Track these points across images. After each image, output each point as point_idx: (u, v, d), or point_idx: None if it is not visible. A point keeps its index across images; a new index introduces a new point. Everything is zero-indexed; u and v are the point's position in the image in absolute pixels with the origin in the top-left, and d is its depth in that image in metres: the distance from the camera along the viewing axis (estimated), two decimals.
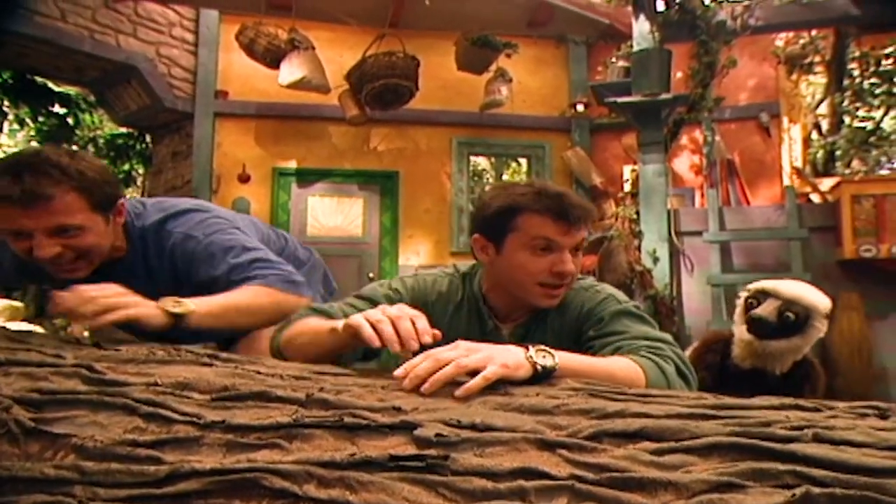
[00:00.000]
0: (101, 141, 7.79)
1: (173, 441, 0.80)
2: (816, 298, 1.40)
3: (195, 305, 1.21)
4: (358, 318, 1.01)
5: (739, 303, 1.50)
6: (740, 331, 1.47)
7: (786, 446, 0.71)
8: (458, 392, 0.86)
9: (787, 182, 5.44)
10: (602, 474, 0.69)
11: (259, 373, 0.97)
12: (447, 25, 5.56)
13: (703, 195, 5.67)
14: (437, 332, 1.01)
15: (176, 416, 0.83)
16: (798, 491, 0.64)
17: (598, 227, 5.56)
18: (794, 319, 1.37)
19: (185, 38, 6.07)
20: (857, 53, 5.12)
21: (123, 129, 7.31)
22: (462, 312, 1.38)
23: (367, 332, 0.98)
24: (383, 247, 6.24)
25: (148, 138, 7.10)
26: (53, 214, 1.24)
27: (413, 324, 1.00)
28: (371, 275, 6.16)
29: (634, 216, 4.41)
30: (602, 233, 4.76)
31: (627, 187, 5.47)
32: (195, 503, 0.72)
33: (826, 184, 5.03)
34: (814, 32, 5.29)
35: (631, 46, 4.68)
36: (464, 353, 0.91)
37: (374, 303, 1.29)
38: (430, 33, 5.83)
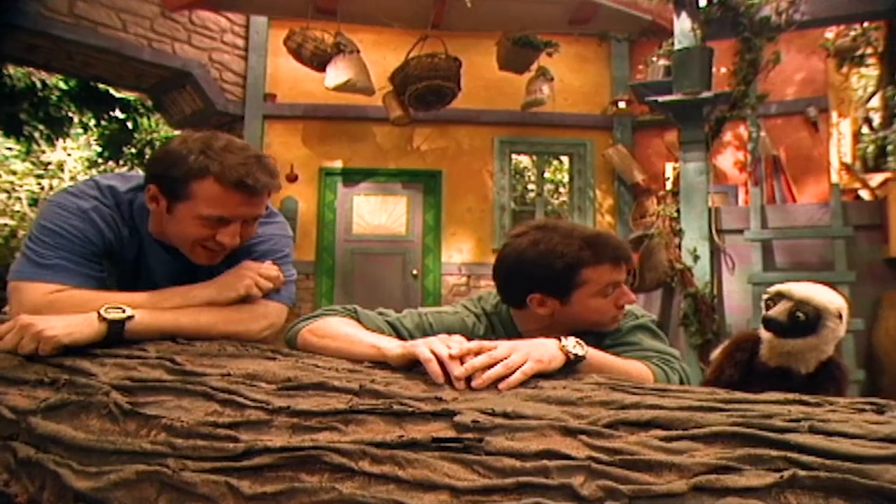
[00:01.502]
0: (157, 144, 8.15)
1: (247, 423, 0.93)
2: (828, 299, 1.46)
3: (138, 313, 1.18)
4: (423, 351, 1.02)
5: (763, 305, 1.58)
6: (762, 331, 1.54)
7: (781, 436, 0.80)
8: (501, 385, 0.98)
9: (835, 178, 5.34)
10: (616, 456, 0.79)
11: (317, 366, 1.10)
12: (488, 26, 5.64)
13: (747, 192, 5.61)
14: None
15: (248, 402, 0.97)
16: (786, 473, 0.73)
17: (640, 224, 5.58)
18: (804, 319, 1.44)
19: (236, 44, 6.33)
20: None
21: (178, 132, 7.61)
22: None
23: (435, 368, 1.00)
24: (426, 244, 6.38)
25: None
26: (261, 205, 1.30)
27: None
28: (415, 272, 6.31)
29: (675, 214, 4.43)
30: (643, 231, 4.78)
31: (669, 185, 5.46)
32: (268, 475, 0.85)
33: (877, 180, 4.92)
34: (865, 24, 5.17)
35: (672, 44, 4.68)
36: (506, 353, 1.02)
37: (403, 337, 1.31)
38: (471, 34, 5.92)
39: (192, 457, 0.88)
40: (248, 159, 1.24)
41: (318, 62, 5.50)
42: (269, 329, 1.31)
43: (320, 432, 0.90)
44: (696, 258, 4.26)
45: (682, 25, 4.44)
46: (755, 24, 4.28)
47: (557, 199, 7.82)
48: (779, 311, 1.44)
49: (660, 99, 4.35)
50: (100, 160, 8.42)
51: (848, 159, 5.44)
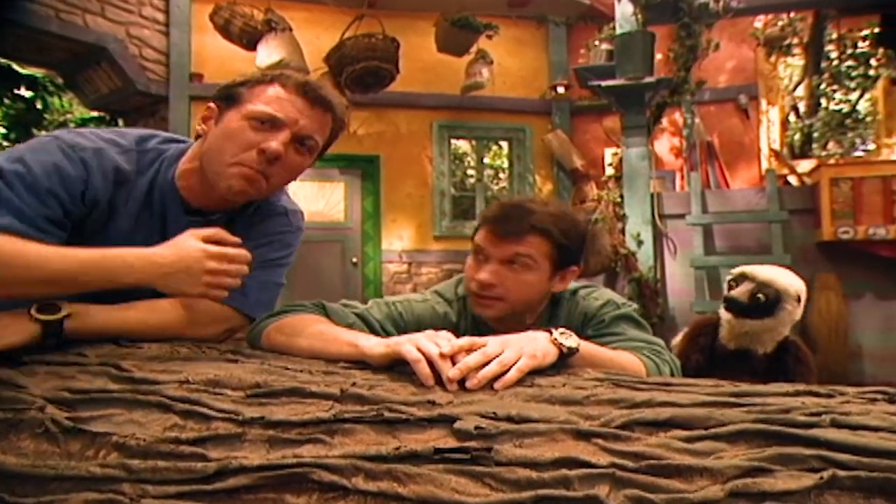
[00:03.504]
0: (71, 125, 7.62)
1: (215, 438, 0.81)
2: (788, 282, 1.50)
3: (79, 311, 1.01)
4: (410, 350, 0.93)
5: (725, 286, 1.60)
6: (722, 311, 1.57)
7: (807, 432, 0.75)
8: (497, 385, 0.90)
9: (765, 164, 5.55)
10: (640, 462, 0.72)
11: (287, 369, 0.99)
12: (426, 5, 5.54)
13: (682, 177, 5.76)
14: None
15: (214, 413, 0.85)
16: (825, 474, 0.69)
17: (580, 210, 5.62)
18: (764, 301, 1.46)
19: (155, 18, 5.93)
20: (834, 36, 5.20)
21: (95, 113, 7.16)
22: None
23: (424, 369, 0.91)
24: (366, 231, 6.23)
25: (121, 122, 6.95)
26: (322, 127, 1.18)
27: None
28: (354, 260, 6.16)
29: (618, 199, 4.47)
30: (585, 216, 4.81)
31: (609, 170, 5.53)
32: (245, 498, 0.74)
33: (803, 166, 5.14)
34: (792, 14, 5.37)
35: (613, 28, 4.70)
36: (499, 349, 0.94)
37: (373, 328, 1.26)
38: (408, 14, 5.80)
39: (152, 480, 0.76)
40: (324, 84, 1.19)
41: (248, 40, 5.25)
42: (228, 335, 1.18)
43: (302, 446, 0.79)
44: (639, 243, 4.33)
45: (624, 10, 4.46)
46: (694, 9, 4.34)
47: (497, 184, 7.82)
48: (741, 291, 1.46)
49: (603, 84, 4.36)
50: (5, 143, 7.79)
51: (777, 146, 5.66)
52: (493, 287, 1.27)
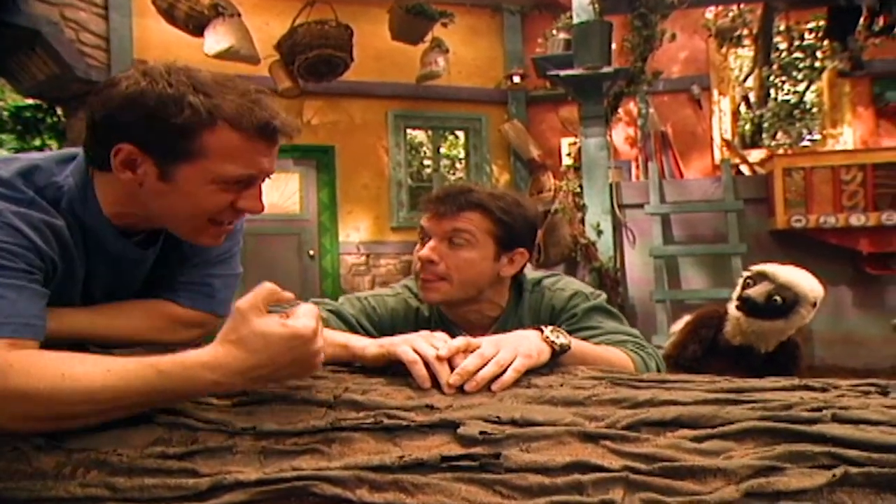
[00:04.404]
0: (5, 114, 7.21)
1: (204, 451, 0.77)
2: (809, 287, 1.47)
3: None
4: (406, 351, 0.91)
5: (739, 281, 1.57)
6: (732, 308, 1.53)
7: (812, 428, 0.75)
8: (495, 386, 0.88)
9: (717, 154, 5.68)
10: (653, 464, 0.71)
11: None
12: None
13: (638, 167, 5.85)
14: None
15: (200, 424, 0.80)
16: (837, 472, 0.69)
17: (538, 200, 5.65)
18: (780, 303, 1.44)
19: (92, 1, 5.63)
20: (782, 28, 5.35)
21: (30, 101, 6.78)
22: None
23: (421, 371, 0.89)
24: (322, 223, 6.12)
25: (59, 111, 6.62)
26: (276, 158, 1.01)
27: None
28: (311, 252, 6.05)
29: (578, 190, 4.50)
30: (543, 206, 4.84)
31: (566, 160, 5.57)
32: None
33: (754, 155, 5.27)
34: (742, 6, 5.49)
35: (570, 18, 4.70)
36: (494, 350, 0.92)
37: (349, 323, 1.25)
38: (361, 0, 5.68)
39: (140, 499, 0.71)
40: (251, 94, 0.95)
41: (195, 25, 5.03)
42: (202, 339, 1.11)
43: (299, 457, 0.76)
44: (599, 233, 4.37)
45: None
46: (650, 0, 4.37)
47: (454, 174, 7.79)
48: (758, 291, 1.42)
49: (562, 73, 4.37)
50: None
51: (728, 135, 5.81)
52: (435, 265, 1.25)
